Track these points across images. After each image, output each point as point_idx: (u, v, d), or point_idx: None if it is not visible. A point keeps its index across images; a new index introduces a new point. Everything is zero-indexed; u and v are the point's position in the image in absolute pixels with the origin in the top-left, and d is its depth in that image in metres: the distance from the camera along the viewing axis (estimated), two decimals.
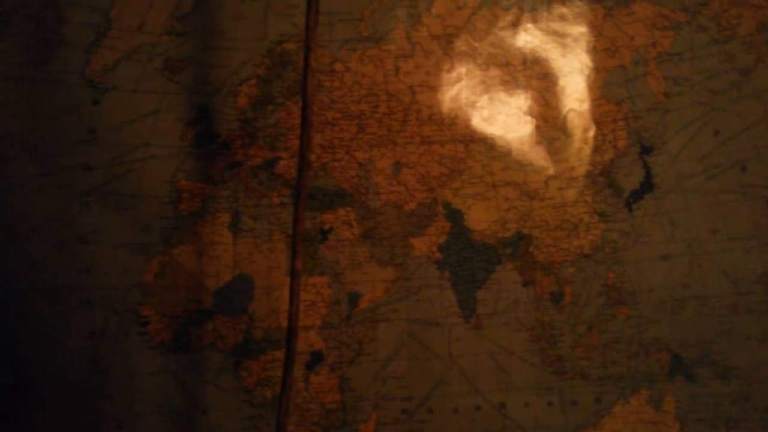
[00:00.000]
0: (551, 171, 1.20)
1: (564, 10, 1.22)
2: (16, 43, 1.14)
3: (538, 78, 1.21)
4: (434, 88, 1.20)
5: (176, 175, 1.16)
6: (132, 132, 1.16)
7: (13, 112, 1.14)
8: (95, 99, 1.15)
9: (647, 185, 1.20)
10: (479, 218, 1.19)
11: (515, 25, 1.21)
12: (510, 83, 1.21)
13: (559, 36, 1.22)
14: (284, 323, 1.15)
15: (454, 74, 1.20)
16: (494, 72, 1.21)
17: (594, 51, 1.21)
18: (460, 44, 1.20)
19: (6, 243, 1.14)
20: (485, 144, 1.20)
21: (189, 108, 1.17)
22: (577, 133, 1.20)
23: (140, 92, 1.16)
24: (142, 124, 1.16)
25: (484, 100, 1.20)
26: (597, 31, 1.21)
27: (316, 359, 1.16)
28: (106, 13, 1.15)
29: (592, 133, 1.20)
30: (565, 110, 1.21)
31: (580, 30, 1.22)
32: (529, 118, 1.21)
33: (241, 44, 1.17)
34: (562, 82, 1.21)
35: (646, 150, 1.20)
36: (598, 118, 1.20)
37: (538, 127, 1.20)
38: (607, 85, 1.21)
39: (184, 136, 1.17)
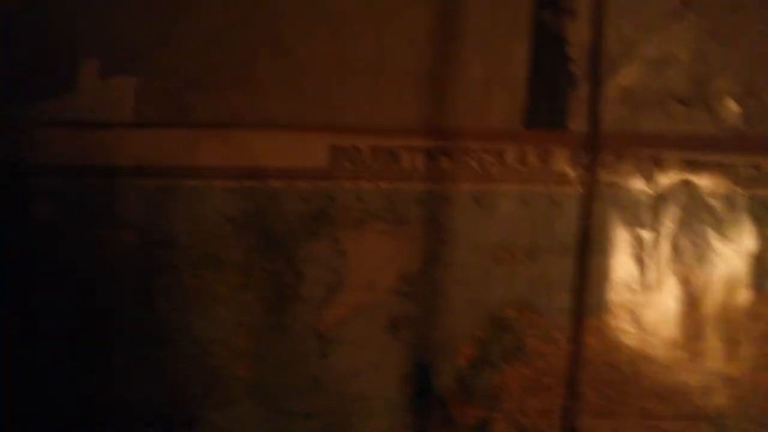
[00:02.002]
0: None
1: None
2: (256, 295, 1.23)
3: None
4: (656, 361, 1.19)
5: (392, 428, 1.19)
6: (353, 385, 1.21)
7: (247, 359, 1.22)
8: (323, 352, 1.21)
9: None
10: None
11: None
12: None
13: None
14: None
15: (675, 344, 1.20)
16: None
17: None
18: None
19: None
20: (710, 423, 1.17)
21: (408, 364, 1.21)
22: None
23: (365, 347, 1.21)
24: (363, 378, 1.21)
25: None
26: None
27: None
28: (340, 272, 1.22)
29: None
30: None
31: None
32: None
33: (462, 306, 1.21)
34: None
35: None
36: None
37: None
38: None
39: (402, 391, 1.20)
